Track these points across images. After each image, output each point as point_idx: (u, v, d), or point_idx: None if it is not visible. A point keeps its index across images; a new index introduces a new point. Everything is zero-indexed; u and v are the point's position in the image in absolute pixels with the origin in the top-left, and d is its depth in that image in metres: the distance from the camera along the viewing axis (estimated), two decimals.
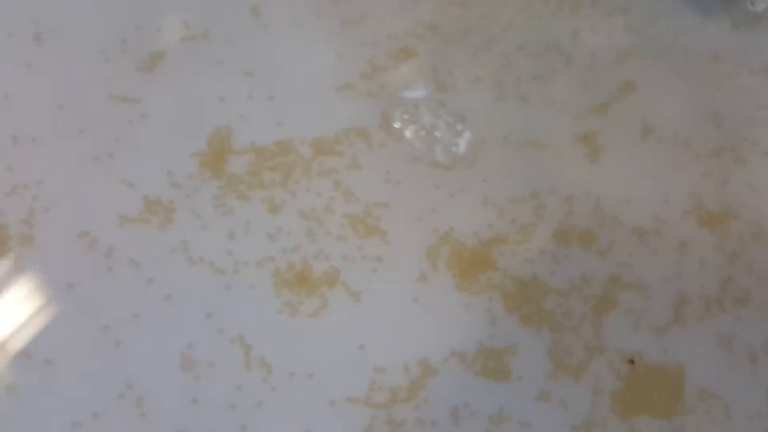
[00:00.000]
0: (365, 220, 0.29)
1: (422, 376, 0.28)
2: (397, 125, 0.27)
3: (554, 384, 0.28)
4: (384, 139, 0.30)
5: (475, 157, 0.28)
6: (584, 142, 0.31)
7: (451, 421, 0.28)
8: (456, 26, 0.33)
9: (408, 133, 0.27)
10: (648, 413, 0.28)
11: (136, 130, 0.29)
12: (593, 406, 0.28)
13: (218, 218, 0.29)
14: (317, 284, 0.28)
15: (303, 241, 0.29)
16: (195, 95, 0.30)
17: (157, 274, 0.28)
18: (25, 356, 0.26)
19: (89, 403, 0.26)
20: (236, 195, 0.29)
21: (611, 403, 0.28)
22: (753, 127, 0.31)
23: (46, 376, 0.26)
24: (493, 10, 0.32)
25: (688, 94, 0.31)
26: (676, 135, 0.31)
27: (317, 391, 0.27)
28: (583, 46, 0.33)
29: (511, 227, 0.30)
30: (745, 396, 0.28)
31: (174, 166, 0.29)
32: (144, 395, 0.26)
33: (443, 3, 0.33)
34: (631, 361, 0.29)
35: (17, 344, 0.26)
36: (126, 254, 0.28)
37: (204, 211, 0.29)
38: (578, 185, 0.31)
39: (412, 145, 0.28)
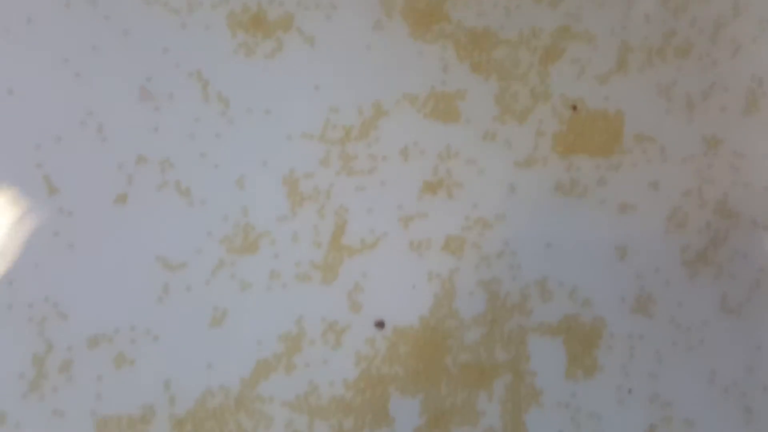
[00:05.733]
0: None
1: (374, 117, 0.29)
2: None
3: (500, 126, 0.30)
4: None
5: None
6: None
7: (401, 158, 0.29)
8: None
9: None
10: (587, 153, 0.30)
11: None
12: (536, 145, 0.30)
13: None
14: (272, 28, 0.29)
15: None
16: None
17: (113, 11, 0.28)
18: None
19: (51, 128, 0.27)
20: None
21: (553, 143, 0.30)
22: None
23: (8, 104, 0.27)
24: None
25: None
26: None
27: (274, 125, 0.29)
28: None
29: None
30: (680, 140, 0.30)
31: None
32: (104, 122, 0.28)
33: None
34: (574, 107, 0.30)
35: None
36: None
37: None
38: None
39: None
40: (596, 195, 0.29)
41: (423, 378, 0.28)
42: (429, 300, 0.29)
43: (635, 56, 0.30)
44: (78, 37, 0.28)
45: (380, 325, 0.28)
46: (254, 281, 0.28)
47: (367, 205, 0.29)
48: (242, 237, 0.28)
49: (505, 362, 0.29)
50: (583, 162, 0.30)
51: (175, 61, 0.28)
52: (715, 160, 0.30)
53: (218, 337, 0.27)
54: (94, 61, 0.28)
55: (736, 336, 0.29)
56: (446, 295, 0.29)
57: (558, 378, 0.29)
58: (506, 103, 0.30)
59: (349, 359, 0.28)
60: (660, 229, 0.29)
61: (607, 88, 0.30)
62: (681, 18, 0.31)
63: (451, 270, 0.29)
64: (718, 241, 0.30)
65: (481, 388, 0.28)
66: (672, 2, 0.31)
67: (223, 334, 0.27)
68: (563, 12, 0.30)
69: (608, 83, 0.30)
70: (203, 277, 0.28)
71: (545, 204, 0.29)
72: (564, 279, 0.29)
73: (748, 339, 0.29)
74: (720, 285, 0.29)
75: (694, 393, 0.29)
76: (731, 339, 0.29)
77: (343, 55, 0.29)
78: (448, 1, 0.30)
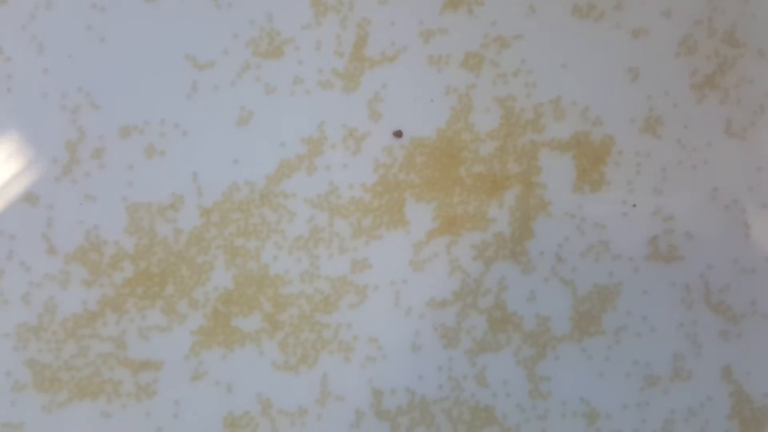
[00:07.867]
0: None
1: None
2: None
3: None
4: None
5: None
6: None
7: None
8: None
9: None
10: None
11: None
12: None
13: None
14: None
15: None
16: None
17: None
18: None
19: None
20: None
21: None
22: None
23: None
24: None
25: None
26: None
27: None
28: None
29: None
30: None
31: None
32: None
33: None
34: None
35: None
36: None
37: None
38: None
39: None
40: (612, 19, 0.30)
41: (438, 186, 0.30)
42: (446, 113, 0.30)
43: None
44: None
45: (398, 134, 0.29)
46: (278, 85, 0.29)
47: (389, 18, 0.30)
48: (267, 42, 0.29)
49: (516, 174, 0.30)
50: None
51: None
52: None
53: (244, 135, 0.29)
54: None
55: (739, 157, 0.30)
56: (463, 110, 0.30)
57: (566, 190, 0.30)
58: None
59: (368, 165, 0.29)
60: (671, 53, 0.30)
61: None
62: None
63: (469, 85, 0.30)
64: (726, 68, 0.31)
65: (493, 197, 0.30)
66: None
67: (248, 134, 0.29)
68: None
69: None
70: (229, 77, 0.28)
71: (563, 25, 0.30)
72: (577, 98, 0.30)
73: (750, 160, 0.30)
74: (725, 109, 0.30)
75: (695, 208, 0.30)
76: (734, 160, 0.30)
77: None
78: None
